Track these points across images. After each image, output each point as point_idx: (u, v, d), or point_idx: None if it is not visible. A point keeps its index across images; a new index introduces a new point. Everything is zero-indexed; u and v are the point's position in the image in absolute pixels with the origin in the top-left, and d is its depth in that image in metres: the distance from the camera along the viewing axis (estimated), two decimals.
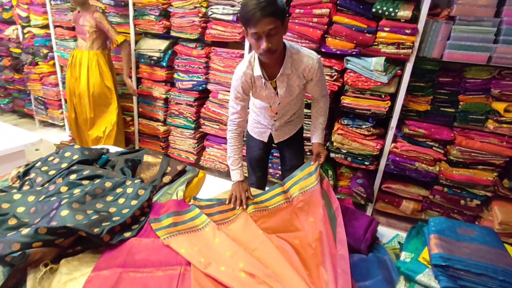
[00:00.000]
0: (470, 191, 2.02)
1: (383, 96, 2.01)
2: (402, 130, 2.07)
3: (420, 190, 2.17)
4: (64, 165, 1.40)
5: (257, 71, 1.36)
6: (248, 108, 1.73)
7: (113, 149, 1.91)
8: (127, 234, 1.13)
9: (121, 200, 1.27)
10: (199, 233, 1.18)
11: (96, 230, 1.05)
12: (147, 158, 1.71)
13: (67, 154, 1.47)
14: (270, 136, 1.73)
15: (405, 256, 1.01)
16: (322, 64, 1.48)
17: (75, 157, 1.45)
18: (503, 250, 0.90)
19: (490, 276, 0.80)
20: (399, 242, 1.22)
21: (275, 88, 1.44)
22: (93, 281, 0.94)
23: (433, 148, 2.02)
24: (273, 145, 1.80)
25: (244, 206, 1.34)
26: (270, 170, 2.52)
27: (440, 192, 2.10)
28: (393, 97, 2.04)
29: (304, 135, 1.85)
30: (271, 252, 1.07)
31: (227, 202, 1.37)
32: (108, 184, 1.31)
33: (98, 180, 1.32)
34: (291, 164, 1.76)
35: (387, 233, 1.34)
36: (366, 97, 2.04)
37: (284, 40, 1.31)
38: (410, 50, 1.86)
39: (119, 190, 1.32)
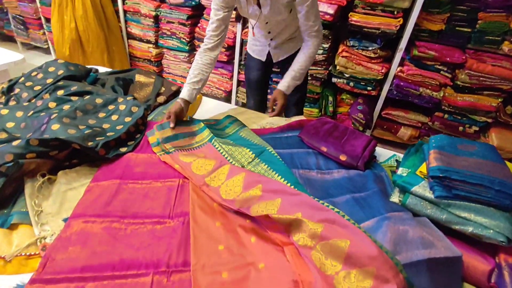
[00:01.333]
0: (471, 117, 2.00)
1: (395, 13, 1.82)
2: (411, 53, 1.93)
3: (420, 117, 2.14)
4: (49, 81, 1.31)
5: None
6: (247, 28, 1.57)
7: (102, 69, 1.79)
8: (123, 149, 1.11)
9: (114, 117, 1.23)
10: (198, 151, 1.16)
11: (90, 143, 1.02)
12: (139, 78, 1.61)
13: (51, 69, 1.37)
14: (269, 56, 1.61)
15: (402, 171, 1.01)
16: None
17: (60, 72, 1.35)
18: (503, 164, 0.89)
19: (485, 186, 0.80)
20: (396, 160, 1.23)
21: (259, 6, 1.30)
22: (93, 190, 0.95)
23: (441, 72, 1.92)
24: (274, 69, 1.69)
25: (172, 125, 1.18)
26: (269, 96, 2.44)
27: (440, 119, 2.08)
28: (406, 14, 1.85)
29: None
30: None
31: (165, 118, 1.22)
32: (99, 101, 1.25)
33: (88, 96, 1.26)
34: None
35: (385, 153, 1.35)
36: (376, 13, 1.85)
37: None
38: None
39: (111, 107, 1.26)
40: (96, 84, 1.47)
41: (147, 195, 0.96)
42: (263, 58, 1.63)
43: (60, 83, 1.30)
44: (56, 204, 0.89)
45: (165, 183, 1.01)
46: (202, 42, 1.39)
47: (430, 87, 1.97)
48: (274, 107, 1.41)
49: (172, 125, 1.19)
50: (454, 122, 2.06)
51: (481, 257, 0.80)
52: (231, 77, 2.57)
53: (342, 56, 2.06)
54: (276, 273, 0.74)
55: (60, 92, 1.26)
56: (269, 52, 1.60)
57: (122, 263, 0.77)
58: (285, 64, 1.63)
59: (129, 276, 0.74)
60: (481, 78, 1.85)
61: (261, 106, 1.83)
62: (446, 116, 2.05)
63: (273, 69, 1.70)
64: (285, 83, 1.38)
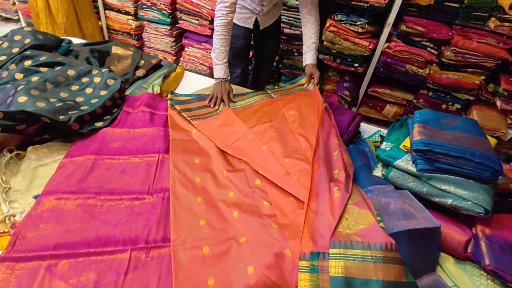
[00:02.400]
0: (454, 95, 2.02)
1: None
2: (399, 28, 1.90)
3: (405, 94, 2.14)
4: (15, 50, 1.21)
5: None
6: None
7: (77, 41, 1.67)
8: (98, 124, 1.06)
9: (88, 90, 1.16)
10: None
11: (61, 117, 0.96)
12: (116, 50, 1.52)
13: (17, 37, 1.26)
14: (256, 23, 1.58)
15: (385, 146, 1.01)
16: None
17: (27, 41, 1.25)
18: (484, 138, 0.90)
19: (467, 159, 0.81)
20: (380, 136, 1.23)
21: None
22: (66, 166, 0.90)
23: (428, 49, 1.90)
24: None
25: (221, 107, 1.26)
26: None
27: (425, 96, 2.09)
28: None
29: None
30: (250, 143, 1.04)
31: (207, 103, 1.28)
32: (71, 73, 1.17)
33: (58, 68, 1.17)
34: (271, 50, 1.77)
35: (369, 129, 1.35)
36: None
37: None
38: None
39: (85, 79, 1.18)
40: (68, 55, 1.37)
41: (125, 171, 0.92)
42: (251, 26, 1.60)
43: (27, 52, 1.20)
44: (26, 181, 0.84)
45: (144, 159, 0.97)
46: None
47: (416, 64, 1.96)
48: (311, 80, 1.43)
49: (227, 104, 1.26)
50: (438, 99, 2.07)
51: (459, 228, 0.82)
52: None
53: (330, 31, 2.00)
54: (258, 247, 0.74)
55: (27, 63, 1.17)
56: (256, 20, 1.58)
57: (98, 240, 0.74)
58: (268, 31, 1.66)
59: (105, 252, 0.72)
60: (466, 55, 1.85)
61: (245, 75, 1.81)
62: (430, 93, 2.06)
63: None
64: (313, 56, 1.44)
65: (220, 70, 1.34)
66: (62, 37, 1.55)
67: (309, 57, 1.44)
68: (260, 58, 1.82)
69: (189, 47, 2.55)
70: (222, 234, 0.78)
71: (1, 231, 0.74)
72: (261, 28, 1.62)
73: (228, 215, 0.83)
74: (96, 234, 0.75)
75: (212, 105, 1.26)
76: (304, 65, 1.47)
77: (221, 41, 1.32)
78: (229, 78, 1.36)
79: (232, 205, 0.85)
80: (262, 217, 0.81)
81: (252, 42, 1.77)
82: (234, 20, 1.61)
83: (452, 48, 1.85)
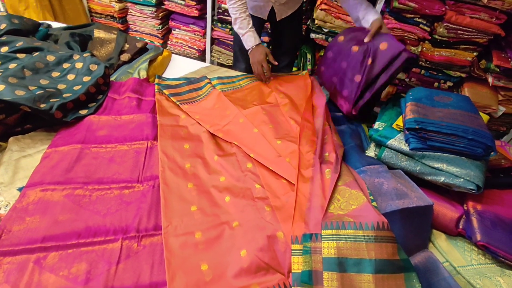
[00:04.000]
0: (446, 73, 2.00)
1: None
2: (391, 4, 1.85)
3: None
4: None
5: None
6: None
7: (56, 25, 1.59)
8: (83, 112, 1.02)
9: (70, 76, 1.10)
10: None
11: (43, 105, 0.92)
12: (98, 34, 1.45)
13: None
14: (271, 13, 1.37)
15: (378, 125, 1.00)
16: None
17: (2, 26, 1.18)
18: (476, 114, 0.89)
19: (459, 136, 0.80)
20: (373, 115, 1.21)
21: None
22: (51, 156, 0.87)
23: (420, 25, 1.87)
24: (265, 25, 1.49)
25: (269, 77, 1.24)
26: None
27: (417, 75, 2.07)
28: None
29: None
30: (241, 127, 1.02)
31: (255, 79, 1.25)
32: (50, 58, 1.11)
33: (37, 53, 1.11)
34: (289, 45, 1.52)
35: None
36: None
37: None
38: None
39: (66, 65, 1.13)
40: (47, 40, 1.30)
41: (113, 159, 0.90)
42: (264, 16, 1.39)
43: (3, 38, 1.13)
44: (9, 173, 0.81)
45: (132, 146, 0.94)
46: None
47: (408, 42, 1.92)
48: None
49: (268, 73, 1.24)
50: (430, 78, 2.05)
51: (450, 205, 0.82)
52: (204, 34, 2.40)
53: (321, 9, 1.94)
54: (250, 230, 0.73)
55: (4, 49, 1.10)
56: (272, 9, 1.36)
57: (88, 230, 0.72)
58: (286, 23, 1.42)
59: (96, 243, 0.70)
60: (459, 31, 1.82)
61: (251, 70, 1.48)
62: (423, 72, 2.04)
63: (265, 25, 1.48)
64: (375, 11, 1.15)
65: (250, 38, 1.21)
66: (40, 21, 1.47)
67: (373, 13, 1.14)
68: (275, 55, 1.41)
69: (176, 30, 2.47)
70: (214, 219, 0.77)
71: None
72: (278, 20, 1.40)
73: (220, 200, 0.82)
74: (85, 225, 0.73)
75: (264, 80, 1.25)
76: (370, 23, 1.14)
77: (238, 7, 1.17)
78: (260, 42, 1.24)
79: (223, 190, 0.83)
80: (254, 200, 0.80)
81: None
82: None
83: (445, 24, 1.82)
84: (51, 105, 0.93)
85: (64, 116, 0.96)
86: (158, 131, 0.99)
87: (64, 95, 1.01)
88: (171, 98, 1.14)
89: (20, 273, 0.63)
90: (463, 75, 1.99)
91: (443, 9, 1.79)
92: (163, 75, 1.39)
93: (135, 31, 2.60)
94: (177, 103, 1.12)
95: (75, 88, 1.06)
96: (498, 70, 1.86)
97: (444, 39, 1.87)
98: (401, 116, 0.96)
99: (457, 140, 0.81)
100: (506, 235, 0.74)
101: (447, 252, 0.76)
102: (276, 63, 1.23)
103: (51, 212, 0.74)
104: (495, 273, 0.73)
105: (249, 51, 1.23)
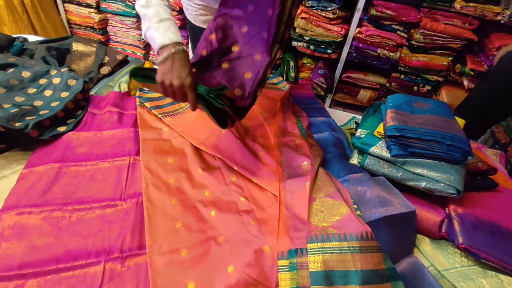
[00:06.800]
0: (424, 77, 2.07)
1: None
2: (369, 12, 1.91)
3: (378, 79, 2.18)
4: None
5: None
6: None
7: (32, 38, 1.55)
8: (61, 129, 0.99)
9: (47, 92, 1.07)
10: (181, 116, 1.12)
11: (17, 124, 0.89)
12: (77, 47, 1.42)
13: None
14: None
15: (360, 132, 1.01)
16: None
17: None
18: (453, 119, 0.92)
19: (438, 141, 0.83)
20: (355, 122, 1.23)
21: None
22: (27, 177, 0.84)
23: (397, 32, 1.93)
24: None
25: (190, 101, 0.74)
26: None
27: (397, 80, 2.13)
28: None
29: None
30: (224, 138, 1.01)
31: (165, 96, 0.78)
32: (26, 74, 1.08)
33: (11, 70, 1.08)
34: None
35: (344, 117, 1.35)
36: None
37: None
38: None
39: (42, 81, 1.10)
40: (22, 56, 1.26)
41: (94, 178, 0.87)
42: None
43: None
44: None
45: (114, 163, 0.92)
46: None
47: (387, 48, 1.98)
48: None
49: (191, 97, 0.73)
50: (409, 82, 2.12)
51: (433, 209, 0.84)
52: (187, 44, 2.40)
53: (302, 18, 1.98)
54: (237, 245, 0.72)
55: None
56: None
57: (68, 254, 0.69)
58: None
59: (76, 267, 0.68)
60: (434, 37, 1.89)
61: None
62: (402, 76, 2.10)
63: None
64: None
65: (171, 30, 0.74)
66: (15, 35, 1.43)
67: None
68: None
69: None
70: (200, 235, 0.76)
71: None
72: None
73: (206, 214, 0.80)
74: (65, 249, 0.70)
75: (169, 99, 0.82)
76: None
77: (155, 13, 0.75)
78: (183, 44, 0.74)
79: (209, 204, 0.82)
80: (240, 213, 0.79)
81: None
82: (193, 22, 1.21)
83: (421, 31, 1.88)
84: (26, 124, 0.90)
85: (41, 135, 0.93)
86: (140, 146, 0.98)
87: (40, 112, 0.98)
88: (152, 111, 1.12)
89: None
90: (440, 79, 2.06)
91: (418, 16, 1.85)
92: (144, 88, 1.37)
93: (116, 41, 2.57)
94: (159, 116, 1.11)
95: (53, 104, 1.03)
96: (472, 73, 1.93)
97: (421, 44, 1.94)
98: (381, 123, 0.98)
99: (436, 146, 0.83)
100: (486, 237, 0.76)
101: (432, 256, 0.78)
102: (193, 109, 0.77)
103: (28, 236, 0.71)
104: (478, 274, 0.74)
105: (163, 52, 0.72)
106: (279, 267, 0.66)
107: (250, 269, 0.66)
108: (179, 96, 0.73)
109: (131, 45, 2.54)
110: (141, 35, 2.46)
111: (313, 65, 2.25)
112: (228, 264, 0.68)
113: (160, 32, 0.73)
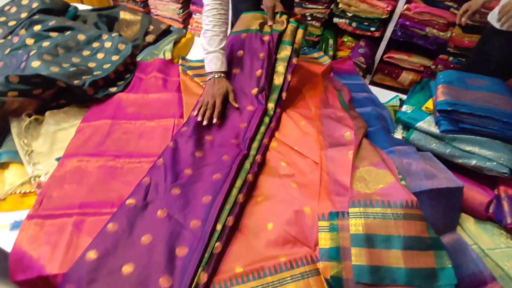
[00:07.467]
0: None
1: None
2: None
3: (423, 60, 2.05)
4: (24, 15, 1.19)
5: None
6: None
7: (83, 7, 1.62)
8: (112, 89, 1.05)
9: (100, 55, 1.13)
10: None
11: (76, 82, 0.95)
12: (124, 15, 1.47)
13: (24, 1, 1.22)
14: None
15: (406, 108, 0.98)
16: None
17: (35, 5, 1.21)
18: (511, 98, 0.86)
19: (493, 118, 0.78)
20: (400, 99, 1.19)
21: None
22: (84, 130, 0.91)
23: (451, 9, 1.79)
24: None
25: (215, 120, 0.91)
26: None
27: (444, 62, 1.99)
28: None
29: None
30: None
31: (194, 114, 0.93)
32: (81, 37, 1.15)
33: (68, 32, 1.15)
34: None
35: (387, 94, 1.30)
36: None
37: None
38: None
39: (95, 44, 1.16)
40: (76, 21, 1.33)
41: (142, 135, 0.93)
42: None
43: (36, 17, 1.17)
44: (47, 144, 0.85)
45: (160, 123, 0.97)
46: None
47: (437, 27, 1.85)
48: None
49: (215, 120, 0.92)
50: (458, 64, 1.97)
51: (481, 189, 0.80)
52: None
53: None
54: (276, 205, 0.74)
55: (37, 28, 1.14)
56: None
57: (121, 200, 0.75)
58: None
59: None
60: None
61: None
62: (450, 58, 1.96)
63: None
64: None
65: (216, 61, 0.96)
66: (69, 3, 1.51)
67: None
68: None
69: (197, 14, 2.47)
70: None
71: (28, 191, 0.76)
72: None
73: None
74: (118, 195, 0.76)
75: (199, 118, 0.91)
76: None
77: (213, 18, 0.94)
78: (226, 70, 0.99)
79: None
80: (280, 177, 0.81)
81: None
82: None
83: None
84: (83, 82, 0.96)
85: (96, 93, 1.00)
86: (183, 110, 1.01)
87: (94, 73, 1.04)
88: (194, 78, 1.15)
89: (60, 235, 0.67)
90: None
91: None
92: (187, 57, 1.40)
93: (156, 15, 2.62)
94: (201, 83, 1.13)
95: (105, 66, 1.09)
96: None
97: (476, 24, 1.78)
98: (430, 99, 0.94)
99: (490, 123, 0.78)
100: None
101: (476, 235, 0.75)
102: (237, 105, 0.96)
103: (86, 181, 0.77)
104: None
105: (208, 78, 0.97)
106: (320, 228, 0.67)
107: (290, 227, 0.68)
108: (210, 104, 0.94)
109: (170, 18, 2.58)
110: (180, 8, 2.49)
111: (353, 44, 2.16)
112: (268, 221, 0.71)
113: (206, 62, 0.99)
